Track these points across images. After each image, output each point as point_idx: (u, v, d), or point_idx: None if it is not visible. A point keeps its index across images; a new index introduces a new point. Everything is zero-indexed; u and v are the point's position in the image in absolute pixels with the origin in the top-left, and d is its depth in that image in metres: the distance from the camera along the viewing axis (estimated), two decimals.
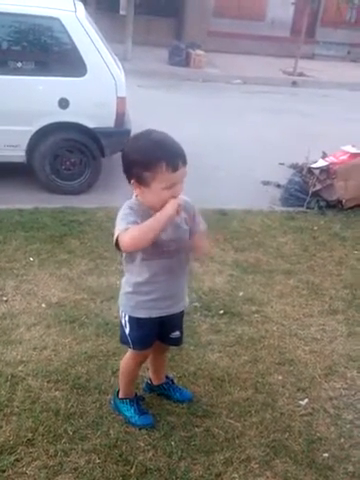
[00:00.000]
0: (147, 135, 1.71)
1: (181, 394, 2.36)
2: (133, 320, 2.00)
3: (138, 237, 1.71)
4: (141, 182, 1.71)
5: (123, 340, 2.10)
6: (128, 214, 1.77)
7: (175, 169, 1.67)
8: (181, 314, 2.12)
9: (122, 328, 2.07)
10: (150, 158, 1.65)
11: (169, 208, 1.71)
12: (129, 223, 1.73)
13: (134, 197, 1.83)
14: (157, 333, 2.10)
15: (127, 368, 2.18)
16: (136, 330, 2.02)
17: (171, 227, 1.84)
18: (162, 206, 1.72)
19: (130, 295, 1.98)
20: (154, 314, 1.99)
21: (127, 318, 2.02)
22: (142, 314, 1.98)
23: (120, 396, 2.25)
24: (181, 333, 2.17)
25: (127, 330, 2.03)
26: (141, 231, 1.70)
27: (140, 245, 1.74)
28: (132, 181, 1.74)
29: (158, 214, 1.72)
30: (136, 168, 1.69)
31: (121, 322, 2.07)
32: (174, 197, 1.73)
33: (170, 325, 2.09)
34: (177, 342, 2.20)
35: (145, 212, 1.78)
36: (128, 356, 2.16)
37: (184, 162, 1.71)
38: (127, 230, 1.71)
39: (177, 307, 2.05)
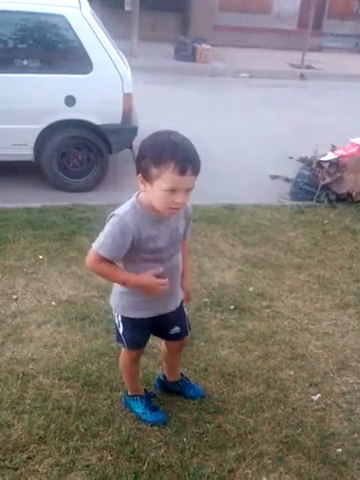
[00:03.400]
0: (167, 134, 1.68)
1: (194, 391, 2.35)
2: (126, 320, 1.99)
3: (102, 274, 1.89)
4: (146, 177, 1.68)
5: (118, 339, 2.10)
6: (118, 235, 1.75)
7: (182, 173, 1.62)
8: (177, 310, 2.07)
9: (116, 327, 2.06)
10: (161, 155, 1.62)
11: (148, 283, 1.82)
12: (109, 251, 1.77)
13: (135, 197, 1.81)
14: (153, 331, 2.09)
15: (123, 365, 2.19)
16: (130, 331, 2.01)
17: (169, 232, 1.84)
18: (158, 207, 1.71)
19: (123, 294, 1.96)
20: (145, 315, 1.98)
21: (120, 318, 2.01)
22: (134, 314, 1.97)
23: (129, 393, 2.25)
24: (182, 328, 2.13)
25: (121, 330, 2.02)
26: (107, 274, 1.87)
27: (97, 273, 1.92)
28: (139, 175, 1.72)
29: (133, 278, 1.82)
30: (145, 161, 1.66)
31: (114, 321, 2.06)
32: (176, 204, 1.69)
33: (167, 322, 2.06)
34: (178, 337, 2.15)
35: (144, 215, 1.77)
36: (122, 353, 2.16)
37: (194, 171, 1.65)
38: (101, 259, 1.79)
39: (170, 306, 2.02)
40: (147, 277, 1.82)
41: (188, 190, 1.69)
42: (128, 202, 1.82)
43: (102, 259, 1.80)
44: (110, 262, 1.81)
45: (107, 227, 1.78)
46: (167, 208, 1.71)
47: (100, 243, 1.78)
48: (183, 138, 1.68)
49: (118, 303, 2.00)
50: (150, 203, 1.75)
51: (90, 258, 1.83)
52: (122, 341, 2.06)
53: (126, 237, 1.76)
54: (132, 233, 1.76)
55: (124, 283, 1.87)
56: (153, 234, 1.80)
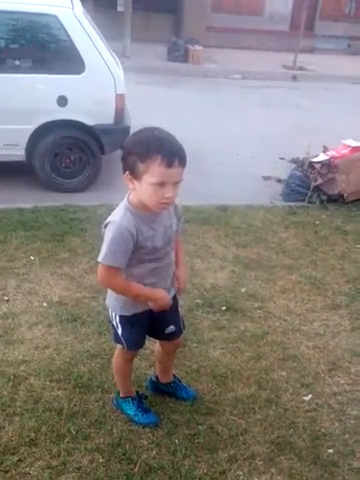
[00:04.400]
0: (152, 130, 1.69)
1: (186, 392, 2.35)
2: (124, 319, 1.99)
3: (118, 290, 1.89)
4: (134, 174, 1.69)
5: (116, 340, 2.09)
6: (120, 241, 1.75)
7: (169, 165, 1.63)
8: (172, 309, 2.07)
9: (114, 329, 2.06)
10: (147, 149, 1.63)
11: (159, 298, 1.89)
12: (115, 259, 1.77)
13: (126, 200, 1.81)
14: (149, 331, 2.09)
15: (117, 366, 2.19)
16: (128, 331, 2.01)
17: (163, 231, 1.85)
18: (148, 203, 1.72)
19: (119, 295, 1.96)
20: (142, 308, 1.97)
21: (118, 319, 2.01)
22: (131, 311, 1.97)
23: (121, 395, 2.24)
24: (177, 326, 2.12)
25: (119, 331, 2.02)
26: (123, 289, 1.87)
27: (112, 290, 1.94)
28: (126, 173, 1.72)
29: (148, 292, 1.88)
30: (132, 157, 1.67)
31: (112, 323, 2.05)
32: (166, 198, 1.69)
33: (162, 320, 2.05)
34: (173, 336, 2.14)
35: (139, 216, 1.78)
36: (116, 354, 2.16)
37: (181, 162, 1.67)
38: (111, 271, 1.80)
39: None
40: (160, 291, 1.90)
41: (176, 183, 1.70)
42: (120, 206, 1.82)
43: (112, 271, 1.80)
44: (120, 274, 1.82)
45: (107, 236, 1.77)
46: (157, 203, 1.72)
47: (104, 254, 1.77)
48: (167, 133, 1.70)
49: (115, 304, 1.99)
50: (140, 202, 1.76)
51: (101, 274, 1.84)
52: (122, 342, 2.05)
53: (128, 241, 1.76)
54: (132, 236, 1.76)
55: (137, 296, 1.89)
56: (150, 234, 1.81)
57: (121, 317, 1.99)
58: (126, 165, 1.71)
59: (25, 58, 4.42)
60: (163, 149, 1.62)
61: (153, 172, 1.64)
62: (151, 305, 1.93)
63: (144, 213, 1.78)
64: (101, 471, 1.98)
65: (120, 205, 1.82)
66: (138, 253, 1.81)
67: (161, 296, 1.91)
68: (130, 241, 1.76)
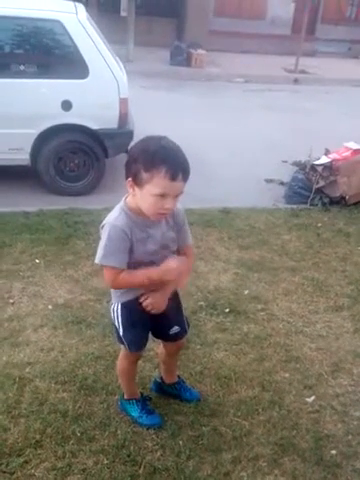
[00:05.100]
0: (159, 139, 1.70)
1: (191, 394, 2.36)
2: (124, 313, 1.98)
3: (127, 285, 1.89)
4: (136, 182, 1.70)
5: (119, 340, 2.11)
6: (116, 241, 1.77)
7: (173, 178, 1.65)
8: (175, 308, 2.08)
9: (116, 330, 2.07)
10: (153, 159, 1.64)
11: (169, 270, 1.82)
12: (115, 259, 1.79)
13: (123, 202, 1.83)
14: (154, 332, 2.11)
15: (122, 368, 2.20)
16: (130, 331, 2.02)
17: (160, 235, 1.86)
18: (146, 211, 1.74)
19: (118, 291, 1.99)
20: (139, 293, 1.95)
21: (120, 319, 2.00)
22: (130, 296, 1.95)
23: (125, 397, 2.26)
24: (181, 327, 2.13)
25: (121, 331, 2.03)
26: (131, 281, 1.85)
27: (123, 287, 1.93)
28: (129, 179, 1.73)
29: (154, 271, 1.82)
30: (136, 165, 1.68)
31: (114, 324, 2.07)
32: (165, 209, 1.71)
33: (165, 320, 2.06)
34: (178, 337, 2.15)
35: (134, 219, 1.80)
36: (121, 356, 2.18)
37: (184, 176, 1.68)
38: (115, 271, 1.81)
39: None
40: (166, 265, 1.83)
41: (177, 196, 1.72)
42: (116, 207, 1.84)
43: (115, 271, 1.81)
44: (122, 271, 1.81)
45: (103, 237, 1.79)
46: (155, 213, 1.74)
47: (102, 255, 1.79)
48: (173, 144, 1.71)
49: (114, 295, 2.01)
50: (138, 207, 1.77)
51: (106, 277, 1.85)
52: (123, 343, 2.07)
53: (124, 241, 1.78)
54: (127, 235, 1.79)
55: (149, 279, 1.83)
56: (144, 237, 1.83)
57: (121, 307, 1.99)
58: (129, 172, 1.72)
59: (30, 63, 4.45)
60: (168, 161, 1.63)
61: (156, 183, 1.65)
62: (167, 278, 1.88)
63: (140, 218, 1.80)
64: (106, 473, 2.00)
65: (116, 207, 1.85)
66: (134, 256, 1.83)
67: (169, 268, 1.83)
68: (126, 240, 1.79)
